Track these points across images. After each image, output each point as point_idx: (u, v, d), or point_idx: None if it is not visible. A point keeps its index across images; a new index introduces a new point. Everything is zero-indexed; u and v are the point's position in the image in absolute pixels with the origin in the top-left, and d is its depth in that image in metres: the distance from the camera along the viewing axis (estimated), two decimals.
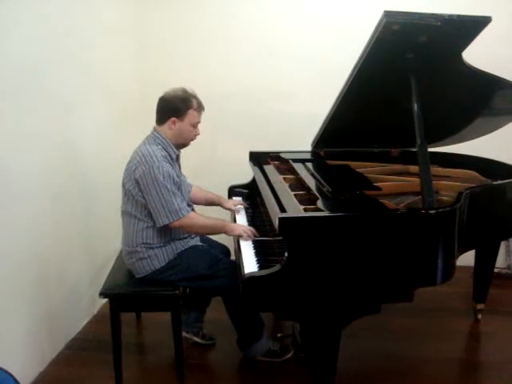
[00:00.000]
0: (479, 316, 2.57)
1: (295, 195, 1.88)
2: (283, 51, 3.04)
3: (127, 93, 3.01)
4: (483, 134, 2.40)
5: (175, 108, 1.99)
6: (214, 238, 2.26)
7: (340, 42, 2.89)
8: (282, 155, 2.58)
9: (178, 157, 2.11)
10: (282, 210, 1.69)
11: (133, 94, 3.07)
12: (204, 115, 2.08)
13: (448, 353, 2.28)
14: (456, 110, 2.16)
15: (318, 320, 1.62)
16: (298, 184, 2.13)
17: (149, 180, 1.88)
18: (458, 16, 1.59)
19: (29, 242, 2.01)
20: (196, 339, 2.33)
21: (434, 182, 1.72)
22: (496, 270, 2.73)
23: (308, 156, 2.57)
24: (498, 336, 2.44)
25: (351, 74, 1.87)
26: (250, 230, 1.98)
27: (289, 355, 2.20)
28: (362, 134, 2.41)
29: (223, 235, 2.04)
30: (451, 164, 2.47)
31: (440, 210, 1.59)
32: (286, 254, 1.51)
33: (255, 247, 1.88)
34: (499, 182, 2.07)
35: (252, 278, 1.54)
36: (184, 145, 2.09)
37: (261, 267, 1.68)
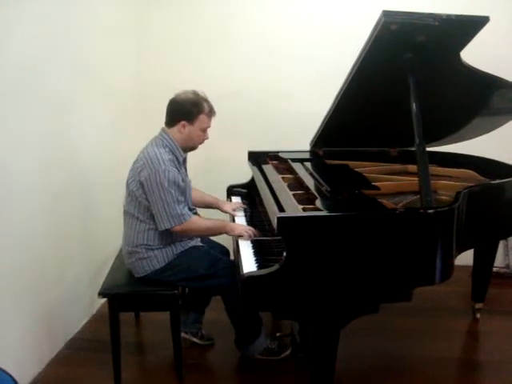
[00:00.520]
0: (478, 315, 2.57)
1: (294, 195, 1.88)
2: (283, 51, 3.04)
3: (127, 93, 3.01)
4: (481, 134, 2.40)
5: (186, 111, 1.97)
6: (213, 238, 2.26)
7: (340, 42, 2.90)
8: (280, 155, 2.58)
9: (184, 160, 2.10)
10: (281, 209, 1.70)
11: (132, 94, 3.08)
12: None
13: (447, 352, 2.28)
14: (454, 110, 2.16)
15: (316, 319, 1.62)
16: (296, 183, 2.13)
17: (153, 184, 1.88)
18: (456, 16, 1.59)
19: (28, 242, 2.01)
20: (195, 340, 2.33)
21: (432, 181, 1.72)
22: (495, 270, 2.73)
23: (307, 155, 2.57)
24: (497, 335, 2.44)
25: (350, 74, 1.88)
26: (251, 229, 1.98)
27: (287, 353, 2.20)
28: (360, 134, 2.41)
29: (222, 235, 2.05)
30: (449, 163, 2.47)
31: (438, 210, 1.59)
32: (285, 254, 1.51)
33: (254, 247, 1.88)
34: (497, 181, 2.07)
35: (251, 277, 1.54)
36: (192, 148, 2.08)
37: (259, 267, 1.68)
